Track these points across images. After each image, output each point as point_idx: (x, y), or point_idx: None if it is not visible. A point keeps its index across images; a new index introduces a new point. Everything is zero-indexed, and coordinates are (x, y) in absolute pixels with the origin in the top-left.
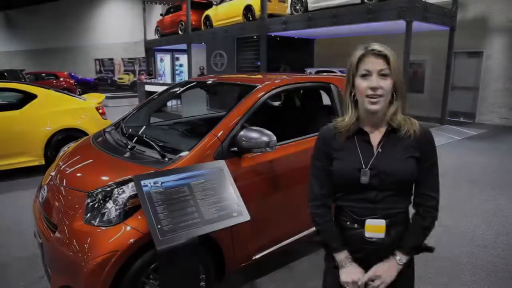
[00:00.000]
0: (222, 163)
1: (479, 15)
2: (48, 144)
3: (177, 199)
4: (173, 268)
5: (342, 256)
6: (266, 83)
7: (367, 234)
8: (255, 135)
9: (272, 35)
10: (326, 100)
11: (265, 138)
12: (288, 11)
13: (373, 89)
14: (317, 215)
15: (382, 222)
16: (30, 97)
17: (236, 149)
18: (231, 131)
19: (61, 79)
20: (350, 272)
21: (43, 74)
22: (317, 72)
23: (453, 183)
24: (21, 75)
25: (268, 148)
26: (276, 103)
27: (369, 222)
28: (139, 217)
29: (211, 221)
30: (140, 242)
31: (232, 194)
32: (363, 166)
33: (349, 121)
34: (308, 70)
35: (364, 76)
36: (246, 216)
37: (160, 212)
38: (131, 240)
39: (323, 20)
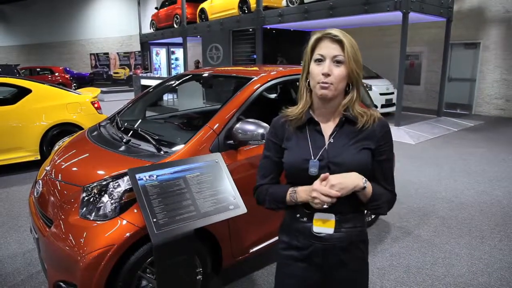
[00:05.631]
0: (218, 156)
1: (476, 6)
2: (43, 138)
3: (172, 192)
4: (170, 262)
5: (294, 190)
6: (261, 75)
7: (315, 229)
8: (251, 127)
9: (268, 27)
10: None
11: (261, 131)
12: (284, 3)
13: (324, 74)
14: (258, 196)
15: (331, 217)
16: (25, 92)
17: (232, 141)
18: (227, 123)
19: (56, 74)
20: (304, 189)
21: (38, 69)
22: None
23: (450, 174)
24: (15, 70)
25: (264, 141)
26: (272, 96)
27: (318, 216)
28: (135, 211)
29: (207, 214)
30: (136, 236)
31: (228, 187)
32: (312, 156)
33: (302, 109)
34: None
35: (318, 61)
36: (243, 209)
37: (155, 206)
38: (127, 234)
39: (319, 12)
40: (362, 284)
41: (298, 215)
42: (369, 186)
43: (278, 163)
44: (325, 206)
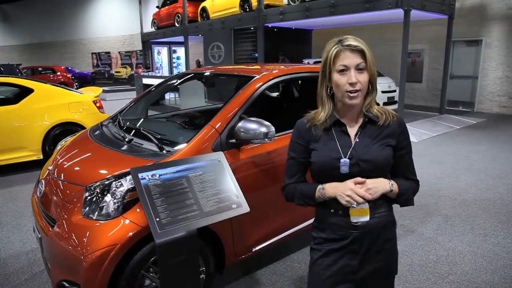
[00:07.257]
0: (220, 155)
1: (478, 3)
2: (46, 138)
3: (175, 191)
4: (173, 261)
5: (322, 187)
6: (263, 73)
7: (353, 219)
8: (254, 126)
9: (270, 26)
10: None
11: (263, 129)
12: (285, 1)
13: (352, 84)
14: (288, 194)
15: (366, 205)
16: (27, 91)
17: (234, 140)
18: (229, 122)
19: (58, 73)
20: (332, 186)
21: (40, 69)
22: (316, 63)
23: (452, 172)
24: (17, 70)
25: (266, 139)
26: (274, 94)
27: (353, 207)
28: (138, 210)
29: (210, 213)
30: (139, 235)
31: (231, 186)
32: (342, 156)
33: (326, 116)
34: (306, 61)
35: (341, 71)
36: (245, 208)
37: (158, 205)
38: (130, 234)
39: (321, 10)
40: (392, 259)
41: (332, 210)
42: (395, 187)
43: (303, 163)
44: (353, 205)
